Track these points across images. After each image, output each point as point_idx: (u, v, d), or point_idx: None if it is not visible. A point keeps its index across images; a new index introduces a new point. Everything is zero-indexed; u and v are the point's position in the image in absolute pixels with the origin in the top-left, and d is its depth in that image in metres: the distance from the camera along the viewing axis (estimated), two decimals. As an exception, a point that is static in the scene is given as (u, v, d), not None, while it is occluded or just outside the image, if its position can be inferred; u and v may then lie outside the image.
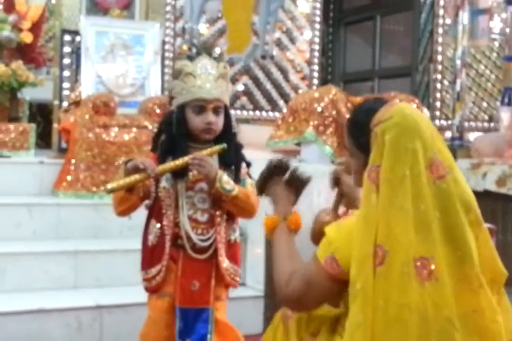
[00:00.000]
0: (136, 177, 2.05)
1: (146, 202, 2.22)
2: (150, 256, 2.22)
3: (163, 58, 4.69)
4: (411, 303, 1.53)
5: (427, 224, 1.57)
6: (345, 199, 2.13)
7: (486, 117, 6.50)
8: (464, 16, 6.11)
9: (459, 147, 5.37)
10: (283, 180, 1.93)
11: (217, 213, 2.21)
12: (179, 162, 2.11)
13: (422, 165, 1.57)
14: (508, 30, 6.30)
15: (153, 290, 2.21)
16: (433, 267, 1.56)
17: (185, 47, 5.02)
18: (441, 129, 5.45)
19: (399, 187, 1.56)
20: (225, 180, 2.12)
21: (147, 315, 2.24)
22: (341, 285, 1.71)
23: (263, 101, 5.53)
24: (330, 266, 1.69)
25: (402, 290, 1.53)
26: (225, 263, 2.21)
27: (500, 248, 1.74)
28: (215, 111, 2.18)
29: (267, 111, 5.50)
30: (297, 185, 1.94)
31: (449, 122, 5.97)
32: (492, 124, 6.37)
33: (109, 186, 2.07)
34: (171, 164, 2.12)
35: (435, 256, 1.57)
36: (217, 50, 5.13)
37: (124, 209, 2.20)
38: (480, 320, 1.60)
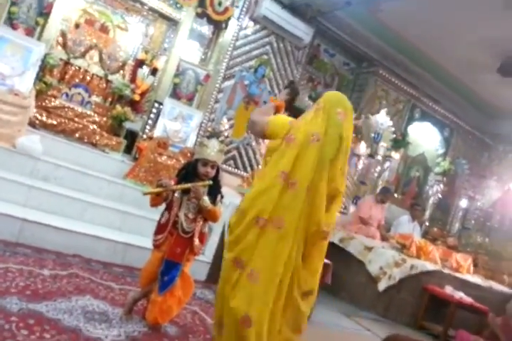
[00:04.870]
0: (160, 189, 2.07)
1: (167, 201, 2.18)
2: (159, 229, 2.17)
3: (199, 130, 4.63)
4: None
5: None
6: None
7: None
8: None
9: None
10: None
11: (199, 216, 2.16)
12: (187, 186, 2.09)
13: None
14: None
15: (156, 246, 2.17)
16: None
17: (209, 129, 5.03)
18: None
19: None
20: (205, 200, 2.10)
21: (149, 258, 2.20)
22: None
23: (241, 166, 5.43)
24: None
25: None
26: (196, 242, 2.16)
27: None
28: (212, 167, 2.15)
29: (242, 170, 5.38)
30: (293, 94, 2.24)
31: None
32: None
33: (145, 192, 2.11)
34: (183, 186, 2.09)
35: None
36: (224, 135, 5.02)
37: (154, 204, 2.16)
38: None
